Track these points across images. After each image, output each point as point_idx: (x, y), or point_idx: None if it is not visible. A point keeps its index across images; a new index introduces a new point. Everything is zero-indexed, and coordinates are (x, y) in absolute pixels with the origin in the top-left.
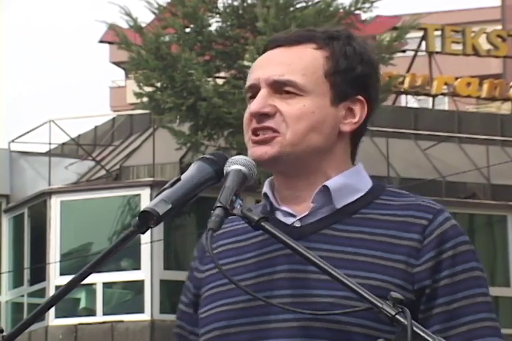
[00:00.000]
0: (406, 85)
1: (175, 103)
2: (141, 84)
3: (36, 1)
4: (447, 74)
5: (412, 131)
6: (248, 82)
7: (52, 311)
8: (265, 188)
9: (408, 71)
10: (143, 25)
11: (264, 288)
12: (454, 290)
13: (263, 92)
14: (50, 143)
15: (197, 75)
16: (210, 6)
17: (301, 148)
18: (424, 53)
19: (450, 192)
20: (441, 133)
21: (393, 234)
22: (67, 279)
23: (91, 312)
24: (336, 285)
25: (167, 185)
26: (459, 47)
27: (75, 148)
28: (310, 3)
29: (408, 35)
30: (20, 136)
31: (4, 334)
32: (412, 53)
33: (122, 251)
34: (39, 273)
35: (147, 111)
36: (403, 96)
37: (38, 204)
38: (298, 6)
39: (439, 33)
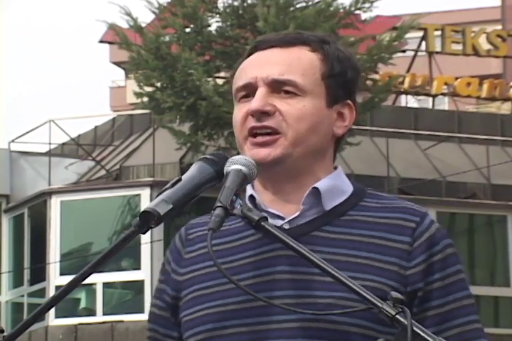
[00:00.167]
0: (406, 85)
1: (175, 103)
2: (141, 84)
3: (36, 1)
4: (447, 74)
5: (412, 131)
6: (242, 81)
7: (52, 311)
8: (250, 190)
9: (408, 71)
10: (143, 25)
11: (261, 289)
12: (445, 293)
13: (262, 91)
14: (50, 143)
15: (197, 75)
16: (210, 6)
17: (301, 148)
18: (424, 53)
19: (450, 192)
20: (441, 133)
21: (383, 236)
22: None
23: (91, 312)
24: (334, 286)
25: (168, 186)
26: (459, 47)
27: (75, 148)
28: (310, 3)
29: (408, 35)
30: (20, 136)
31: (5, 334)
32: (412, 53)
33: (122, 251)
34: (39, 273)
35: (147, 111)
36: (403, 96)
37: (38, 204)
38: (298, 5)
39: (439, 33)
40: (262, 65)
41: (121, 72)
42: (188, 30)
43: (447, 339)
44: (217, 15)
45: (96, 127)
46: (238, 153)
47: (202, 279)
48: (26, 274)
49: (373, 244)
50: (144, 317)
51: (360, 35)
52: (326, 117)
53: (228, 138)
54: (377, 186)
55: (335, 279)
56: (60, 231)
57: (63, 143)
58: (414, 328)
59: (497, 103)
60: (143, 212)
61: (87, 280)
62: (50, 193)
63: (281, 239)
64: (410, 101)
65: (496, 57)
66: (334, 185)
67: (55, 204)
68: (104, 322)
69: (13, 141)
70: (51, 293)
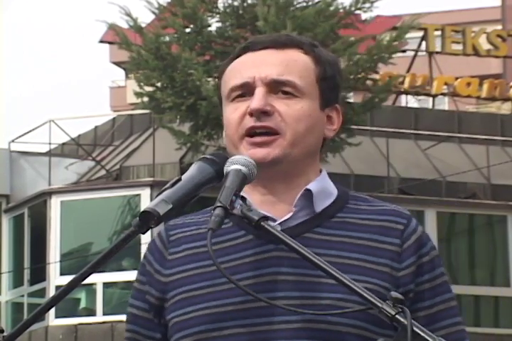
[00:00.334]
0: (406, 85)
1: (175, 103)
2: (141, 83)
3: (36, 1)
4: (447, 74)
5: (412, 131)
6: (237, 81)
7: (52, 311)
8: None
9: (408, 71)
10: (143, 25)
11: (258, 291)
12: (433, 294)
13: (262, 91)
14: (50, 143)
15: (197, 75)
16: (209, 6)
17: (299, 149)
18: (424, 53)
19: (450, 192)
20: (441, 133)
21: (373, 238)
22: (67, 279)
23: (91, 312)
24: (331, 288)
25: (168, 185)
26: (459, 47)
27: (75, 148)
28: (310, 2)
29: (408, 35)
30: (20, 136)
31: (5, 334)
32: (412, 53)
33: (123, 251)
34: (39, 273)
35: (147, 111)
36: (403, 96)
37: (38, 204)
38: (298, 5)
39: (439, 33)
40: (259, 65)
41: (121, 72)
42: (188, 30)
43: None
44: (217, 16)
45: (96, 127)
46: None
47: (192, 280)
48: (26, 274)
49: (364, 246)
50: None
51: (360, 35)
52: (320, 119)
53: None
54: (377, 186)
55: (336, 280)
56: (60, 231)
57: (63, 143)
58: (414, 328)
59: (497, 103)
60: (143, 212)
61: (87, 280)
62: (50, 193)
63: (282, 240)
64: (410, 101)
65: (496, 57)
66: (323, 187)
67: (55, 204)
68: (104, 322)
69: (13, 141)
70: (51, 293)
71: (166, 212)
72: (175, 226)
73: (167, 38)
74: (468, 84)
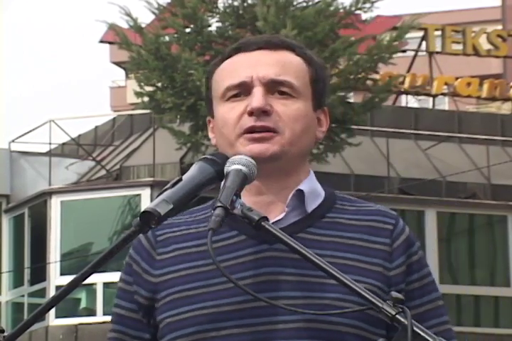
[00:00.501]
0: (406, 85)
1: (175, 103)
2: (141, 83)
3: (36, 1)
4: (447, 74)
5: (412, 131)
6: (234, 80)
7: (52, 311)
8: None
9: (408, 71)
10: (143, 25)
11: (255, 291)
12: (422, 294)
13: (261, 90)
14: (50, 143)
15: (197, 75)
16: (210, 6)
17: (295, 148)
18: (424, 53)
19: (450, 192)
20: (441, 133)
21: (364, 238)
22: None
23: (91, 312)
24: (329, 287)
25: (168, 186)
26: (459, 47)
27: (75, 148)
28: (310, 2)
29: (408, 35)
30: (20, 136)
31: (5, 334)
32: (412, 53)
33: (123, 251)
34: (39, 273)
35: (147, 111)
36: (403, 96)
37: (39, 204)
38: (298, 5)
39: (439, 33)
40: (256, 65)
41: (121, 72)
42: (188, 30)
43: None
44: (217, 16)
45: (96, 127)
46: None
47: (185, 280)
48: (26, 274)
49: (356, 246)
50: None
51: (360, 35)
52: (313, 120)
53: None
54: (378, 186)
55: (336, 280)
56: (60, 231)
57: (63, 143)
58: (415, 328)
59: (497, 103)
60: (143, 212)
61: (88, 280)
62: (50, 193)
63: (282, 239)
64: (410, 101)
65: (496, 57)
66: (313, 188)
67: (55, 204)
68: (104, 322)
69: (13, 141)
70: (51, 293)
71: (167, 212)
72: (162, 226)
73: (167, 38)
74: (469, 84)
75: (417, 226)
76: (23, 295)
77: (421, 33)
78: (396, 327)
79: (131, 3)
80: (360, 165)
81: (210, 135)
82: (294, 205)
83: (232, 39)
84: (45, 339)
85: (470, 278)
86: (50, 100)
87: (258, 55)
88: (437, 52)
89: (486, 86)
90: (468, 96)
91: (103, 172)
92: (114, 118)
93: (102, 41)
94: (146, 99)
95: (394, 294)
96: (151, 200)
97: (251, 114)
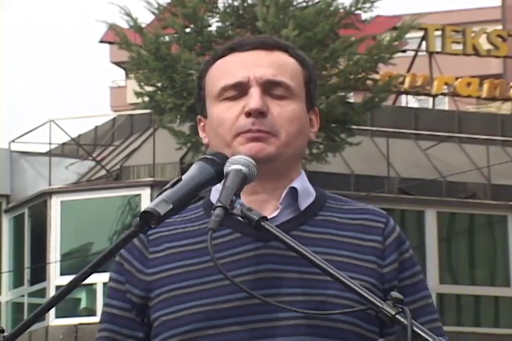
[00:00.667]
0: (406, 85)
1: (175, 103)
2: (141, 83)
3: (36, 1)
4: (447, 74)
5: (412, 131)
6: (230, 80)
7: (52, 311)
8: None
9: (408, 71)
10: (143, 25)
11: (251, 288)
12: (413, 291)
13: (258, 91)
14: (50, 143)
15: (197, 75)
16: (210, 6)
17: (290, 150)
18: (424, 53)
19: (450, 192)
20: (441, 133)
21: (357, 236)
22: (67, 279)
23: (91, 312)
24: (325, 284)
25: (168, 186)
26: (459, 47)
27: (75, 148)
28: (310, 2)
29: (408, 35)
30: (20, 136)
31: (5, 334)
32: (412, 53)
33: None
34: (39, 273)
35: (147, 111)
36: (403, 96)
37: (39, 204)
38: (298, 5)
39: (439, 33)
40: (252, 66)
41: (121, 72)
42: (188, 30)
43: None
44: (217, 15)
45: (96, 127)
46: None
47: (179, 278)
48: (26, 274)
49: (350, 244)
50: None
51: (360, 35)
52: (307, 121)
53: None
54: (378, 186)
55: (334, 278)
56: (60, 231)
57: (63, 143)
58: (414, 328)
59: (497, 103)
60: (143, 212)
61: (88, 280)
62: (50, 193)
63: (282, 239)
64: (410, 101)
65: (497, 57)
66: (305, 186)
67: (55, 204)
68: None
69: (13, 141)
70: (51, 293)
71: (167, 212)
72: None
73: (167, 38)
74: (469, 84)
75: (417, 226)
76: (23, 295)
77: (421, 33)
78: (387, 323)
79: (131, 3)
80: (360, 165)
81: (201, 134)
82: (287, 203)
83: (232, 39)
84: (45, 339)
85: (470, 278)
86: (50, 100)
87: (253, 55)
88: (437, 52)
89: (486, 86)
90: (468, 96)
91: (103, 172)
92: (114, 118)
93: (102, 41)
94: (146, 99)
95: (394, 294)
96: (151, 200)
97: (248, 114)
